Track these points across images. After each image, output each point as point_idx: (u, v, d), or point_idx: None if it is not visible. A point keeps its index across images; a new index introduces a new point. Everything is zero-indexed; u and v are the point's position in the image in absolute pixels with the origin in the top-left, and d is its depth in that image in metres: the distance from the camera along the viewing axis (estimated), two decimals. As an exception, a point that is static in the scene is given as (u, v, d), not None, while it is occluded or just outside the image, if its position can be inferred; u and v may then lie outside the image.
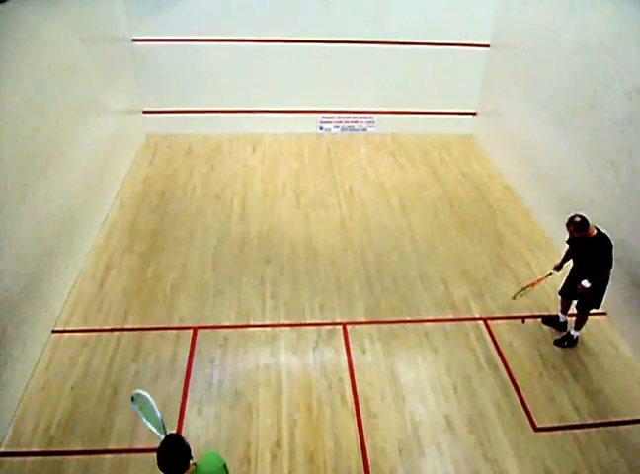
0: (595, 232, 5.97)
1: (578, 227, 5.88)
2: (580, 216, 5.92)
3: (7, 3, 5.54)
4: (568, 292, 6.50)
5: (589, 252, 6.01)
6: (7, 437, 5.31)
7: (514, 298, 6.90)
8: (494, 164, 10.64)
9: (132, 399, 3.94)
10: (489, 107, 11.09)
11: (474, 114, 11.61)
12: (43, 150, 6.42)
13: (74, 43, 7.54)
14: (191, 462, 3.47)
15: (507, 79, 10.23)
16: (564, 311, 6.77)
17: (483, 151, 11.14)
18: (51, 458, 5.16)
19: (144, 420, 3.89)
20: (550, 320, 6.91)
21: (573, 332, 6.59)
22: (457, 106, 11.51)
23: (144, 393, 3.89)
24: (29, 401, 5.68)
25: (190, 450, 3.47)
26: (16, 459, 5.13)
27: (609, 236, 6.00)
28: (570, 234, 6.04)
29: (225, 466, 3.71)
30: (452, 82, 11.20)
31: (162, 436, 3.64)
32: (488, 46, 10.81)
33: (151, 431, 3.82)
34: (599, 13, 7.39)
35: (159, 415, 3.80)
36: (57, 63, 6.93)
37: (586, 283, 6.02)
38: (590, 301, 6.32)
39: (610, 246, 5.99)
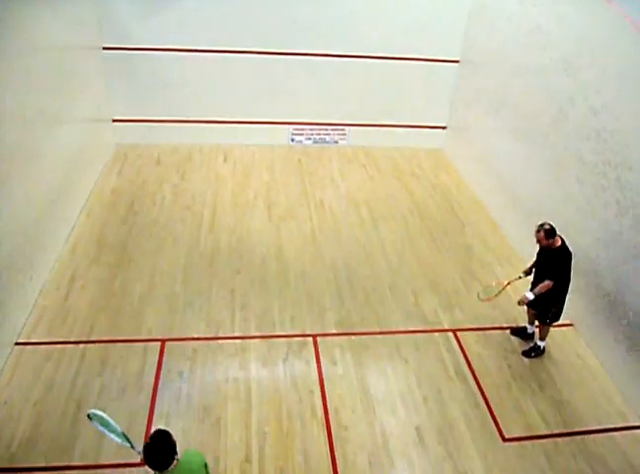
0: (559, 243, 6.12)
1: (547, 234, 6.01)
2: (549, 224, 6.07)
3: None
4: (531, 302, 6.60)
5: (550, 262, 6.16)
6: (-35, 455, 5.13)
7: (479, 298, 6.75)
8: (463, 177, 10.79)
9: (89, 417, 3.88)
10: (458, 121, 11.27)
11: (444, 128, 11.78)
12: (7, 159, 6.26)
13: (42, 51, 7.41)
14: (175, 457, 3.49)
15: (475, 94, 10.42)
16: (531, 322, 6.88)
17: (452, 164, 11.30)
18: (12, 476, 5.01)
19: (108, 434, 3.83)
20: (518, 331, 7.00)
21: (539, 342, 6.70)
22: (427, 120, 11.66)
23: (98, 412, 3.90)
24: (-11, 417, 5.50)
25: (175, 446, 3.42)
26: (-26, 477, 4.97)
27: (570, 248, 6.16)
28: (538, 241, 6.15)
29: (206, 465, 3.70)
30: (423, 96, 11.36)
31: (130, 447, 3.62)
32: (457, 62, 11.01)
33: (119, 444, 3.78)
34: (563, 32, 7.60)
35: (119, 429, 3.80)
36: (25, 71, 6.79)
37: (529, 295, 6.22)
38: (548, 313, 6.46)
39: (570, 259, 6.15)
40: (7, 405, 5.63)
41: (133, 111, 10.76)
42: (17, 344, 6.33)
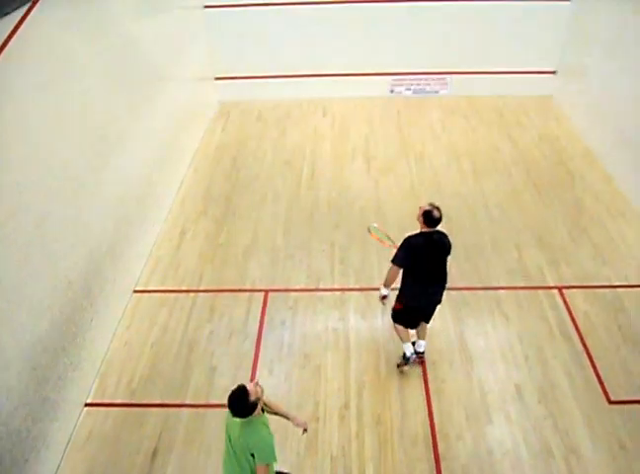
0: (421, 230, 5.19)
1: (423, 214, 5.13)
2: (437, 209, 5.12)
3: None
4: None
5: None
6: (93, 389, 5.72)
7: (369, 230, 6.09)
8: (574, 126, 10.11)
9: None
10: (570, 65, 10.48)
11: (554, 73, 11.01)
12: (119, 120, 6.66)
13: (147, 13, 7.70)
14: (257, 411, 3.70)
15: (590, 35, 9.61)
16: None
17: (562, 113, 10.60)
18: (134, 409, 5.53)
19: None
20: None
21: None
22: (535, 64, 10.94)
23: None
24: (112, 356, 6.07)
25: (253, 405, 3.65)
26: (102, 409, 5.54)
27: (422, 242, 5.15)
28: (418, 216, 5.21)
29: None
30: (530, 39, 10.61)
31: None
32: (569, 0, 10.17)
33: None
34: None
35: None
36: (131, 34, 7.11)
37: (382, 289, 5.42)
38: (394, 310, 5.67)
39: (409, 250, 5.14)
40: (127, 346, 6.19)
41: (235, 68, 10.97)
42: (135, 291, 6.87)
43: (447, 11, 10.35)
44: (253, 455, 3.77)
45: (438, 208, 5.15)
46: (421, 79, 11.23)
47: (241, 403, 3.67)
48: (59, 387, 5.09)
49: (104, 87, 6.24)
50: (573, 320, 6.34)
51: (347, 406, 5.50)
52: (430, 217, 5.11)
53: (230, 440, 3.89)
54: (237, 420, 3.77)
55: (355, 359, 5.96)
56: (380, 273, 7.02)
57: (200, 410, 5.49)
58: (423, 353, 5.79)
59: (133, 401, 5.61)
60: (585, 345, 6.05)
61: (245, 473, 3.87)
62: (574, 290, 6.72)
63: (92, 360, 5.78)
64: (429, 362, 5.89)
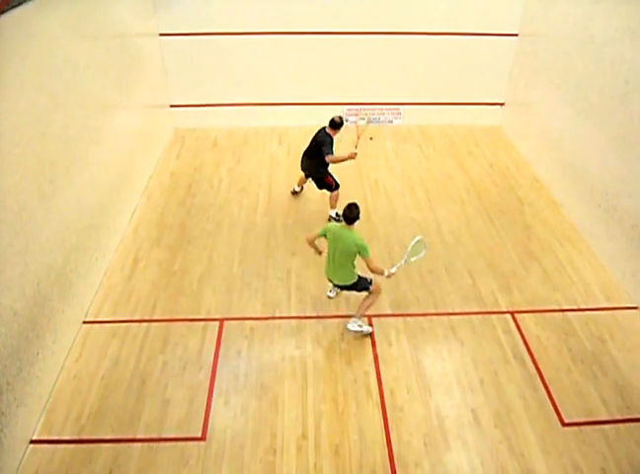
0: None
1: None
2: (339, 118, 7.84)
3: (31, 2, 5.62)
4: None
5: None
6: (39, 426, 5.45)
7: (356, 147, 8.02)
8: (522, 155, 10.48)
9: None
10: (517, 97, 10.91)
11: (502, 104, 11.44)
12: (71, 147, 6.51)
13: (101, 40, 7.64)
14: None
15: (536, 69, 10.05)
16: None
17: (511, 142, 10.98)
18: (82, 446, 5.29)
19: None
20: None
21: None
22: (485, 96, 11.36)
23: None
24: (60, 390, 5.82)
25: (359, 214, 5.79)
26: (48, 446, 5.28)
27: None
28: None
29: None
30: (480, 72, 11.04)
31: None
32: (516, 36, 10.62)
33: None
34: (630, 1, 7.21)
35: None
36: (84, 60, 7.03)
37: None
38: None
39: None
40: (76, 379, 5.95)
41: (190, 95, 10.96)
42: (85, 322, 6.65)
43: (401, 44, 10.66)
44: (358, 253, 5.81)
45: (340, 118, 7.86)
46: (375, 109, 11.46)
47: (354, 211, 5.71)
48: (2, 424, 4.83)
49: (56, 113, 6.11)
50: (526, 344, 6.46)
51: (304, 436, 5.41)
52: (330, 120, 7.85)
53: (336, 250, 5.91)
54: (343, 232, 5.82)
55: (312, 389, 5.89)
56: (337, 299, 7.05)
57: (153, 444, 5.30)
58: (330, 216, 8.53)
59: (82, 437, 5.37)
60: (538, 368, 6.16)
61: (349, 269, 6.06)
62: (526, 315, 6.87)
63: (38, 395, 5.52)
64: (386, 390, 5.88)
